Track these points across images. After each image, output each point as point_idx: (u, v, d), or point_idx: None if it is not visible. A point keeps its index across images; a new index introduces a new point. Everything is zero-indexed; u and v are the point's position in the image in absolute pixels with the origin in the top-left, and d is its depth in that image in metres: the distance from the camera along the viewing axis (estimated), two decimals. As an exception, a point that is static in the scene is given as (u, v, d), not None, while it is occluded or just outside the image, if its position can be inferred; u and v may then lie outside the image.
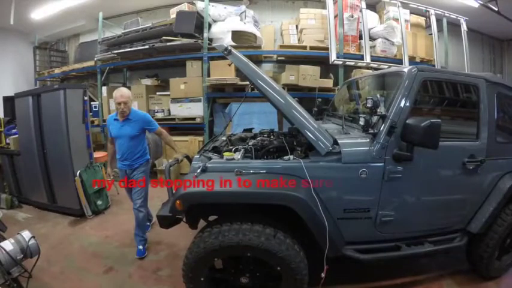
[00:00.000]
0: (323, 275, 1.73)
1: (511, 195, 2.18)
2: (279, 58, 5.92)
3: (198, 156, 2.14)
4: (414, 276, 2.39)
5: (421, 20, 5.90)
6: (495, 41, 7.79)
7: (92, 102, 5.91)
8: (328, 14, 4.98)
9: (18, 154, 4.05)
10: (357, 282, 2.31)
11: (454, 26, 6.01)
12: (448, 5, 5.72)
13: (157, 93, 5.73)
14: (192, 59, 5.33)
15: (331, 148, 1.87)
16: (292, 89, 5.03)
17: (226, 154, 2.04)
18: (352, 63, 5.06)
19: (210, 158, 2.08)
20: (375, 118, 1.93)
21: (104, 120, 5.90)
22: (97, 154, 4.36)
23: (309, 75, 4.99)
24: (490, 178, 2.16)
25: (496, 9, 5.56)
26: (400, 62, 5.19)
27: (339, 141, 1.91)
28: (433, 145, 1.71)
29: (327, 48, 5.03)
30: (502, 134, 2.22)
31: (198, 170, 1.89)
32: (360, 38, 5.19)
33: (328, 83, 5.18)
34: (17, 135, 4.09)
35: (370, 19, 5.36)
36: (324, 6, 5.23)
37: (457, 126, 2.32)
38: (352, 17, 5.01)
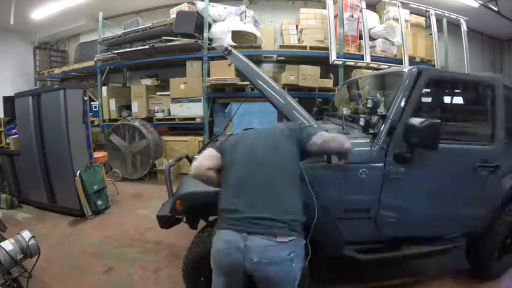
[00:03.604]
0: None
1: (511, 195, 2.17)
2: (279, 58, 5.92)
3: (198, 156, 2.14)
4: (414, 276, 2.39)
5: (421, 20, 5.89)
6: (495, 41, 7.79)
7: (92, 102, 5.90)
8: (328, 14, 4.98)
9: (18, 154, 4.05)
10: (357, 282, 2.31)
11: (454, 26, 6.01)
12: (448, 5, 5.72)
13: (157, 93, 5.73)
14: (192, 59, 5.33)
15: (331, 148, 1.87)
16: (292, 89, 5.02)
17: (226, 154, 2.04)
18: (352, 63, 5.06)
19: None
20: (375, 118, 1.92)
21: (104, 120, 5.91)
22: (97, 154, 4.36)
23: (309, 75, 4.99)
24: (497, 183, 2.08)
25: (496, 9, 5.57)
26: (400, 62, 5.19)
27: (339, 141, 1.91)
28: (432, 146, 1.69)
29: (327, 48, 5.03)
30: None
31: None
32: (360, 38, 5.18)
33: (328, 83, 5.18)
34: (17, 135, 4.09)
35: (370, 19, 5.35)
36: (324, 6, 5.23)
37: (463, 128, 2.21)
38: (352, 17, 5.01)
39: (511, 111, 2.12)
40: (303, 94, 5.07)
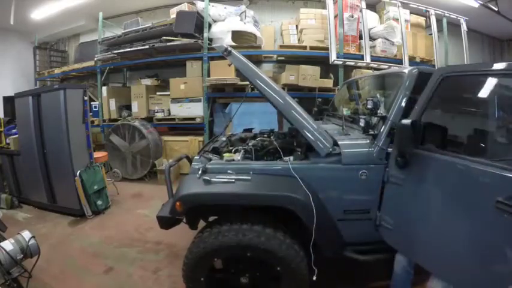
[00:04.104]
0: (314, 278, 1.74)
1: None
2: (279, 58, 5.92)
3: (198, 157, 2.14)
4: (414, 276, 2.39)
5: (421, 20, 5.89)
6: (495, 41, 7.79)
7: (92, 102, 5.91)
8: (328, 14, 4.98)
9: (18, 154, 4.05)
10: (357, 282, 2.31)
11: (454, 26, 6.01)
12: (448, 5, 5.72)
13: (157, 93, 5.73)
14: (192, 59, 5.33)
15: (331, 149, 1.87)
16: (292, 89, 5.03)
17: (226, 155, 2.05)
18: (352, 63, 5.06)
19: (210, 159, 2.08)
20: (375, 119, 1.92)
21: (104, 120, 5.91)
22: (97, 154, 4.36)
23: (309, 75, 4.99)
24: None
25: (496, 9, 5.56)
26: (400, 62, 5.19)
27: (339, 143, 1.91)
28: (400, 152, 1.62)
29: (327, 48, 5.03)
30: None
31: (199, 171, 1.89)
32: (360, 38, 5.18)
33: (328, 83, 5.18)
34: (17, 135, 4.09)
35: (370, 19, 5.36)
36: (324, 6, 5.23)
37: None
38: (352, 17, 5.01)
39: None
40: (303, 94, 5.08)
